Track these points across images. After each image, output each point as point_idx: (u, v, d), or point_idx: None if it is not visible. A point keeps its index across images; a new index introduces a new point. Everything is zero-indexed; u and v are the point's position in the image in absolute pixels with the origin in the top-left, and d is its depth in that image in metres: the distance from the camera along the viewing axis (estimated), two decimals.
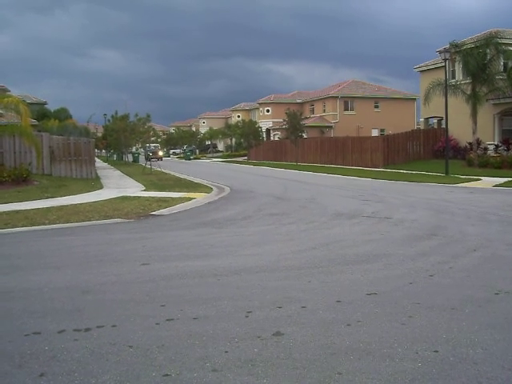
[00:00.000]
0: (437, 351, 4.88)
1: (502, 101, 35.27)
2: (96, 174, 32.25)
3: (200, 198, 19.53)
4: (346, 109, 70.43)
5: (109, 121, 59.05)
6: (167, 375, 4.45)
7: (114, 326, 5.68)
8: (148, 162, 37.97)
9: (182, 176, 33.42)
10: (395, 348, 4.97)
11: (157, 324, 5.71)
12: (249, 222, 13.70)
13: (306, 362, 4.69)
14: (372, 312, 6.04)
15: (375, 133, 65.70)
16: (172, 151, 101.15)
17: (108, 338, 5.30)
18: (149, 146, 68.77)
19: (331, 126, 69.39)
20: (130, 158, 63.14)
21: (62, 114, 55.77)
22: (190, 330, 5.51)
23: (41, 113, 50.75)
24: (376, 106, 71.76)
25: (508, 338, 5.21)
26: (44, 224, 13.19)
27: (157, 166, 38.18)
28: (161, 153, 75.56)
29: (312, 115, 73.05)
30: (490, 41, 32.57)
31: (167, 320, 5.83)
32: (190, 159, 76.37)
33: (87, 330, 5.56)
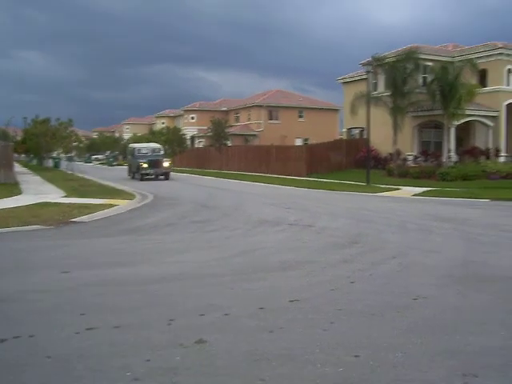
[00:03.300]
0: (358, 356, 4.97)
1: (420, 113, 36.54)
2: (15, 179, 31.21)
3: (123, 204, 19.21)
4: (271, 118, 70.99)
5: (29, 124, 57.34)
6: None
7: (31, 336, 5.49)
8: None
9: (105, 182, 32.79)
10: (317, 354, 5.03)
11: (77, 333, 5.56)
12: (172, 229, 13.59)
13: (229, 369, 4.68)
14: (294, 318, 6.09)
15: (299, 142, 66.49)
16: (94, 157, 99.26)
17: (25, 349, 5.12)
18: (136, 149, 40.03)
19: (256, 135, 69.77)
20: (51, 163, 61.42)
21: None
22: (111, 339, 5.40)
23: None
24: (300, 116, 72.68)
25: (426, 341, 5.36)
26: None
27: (78, 171, 37.20)
28: (167, 163, 39.83)
29: (237, 123, 73.23)
30: (410, 55, 33.83)
31: (87, 329, 5.69)
32: (112, 165, 74.96)
33: (3, 341, 5.35)
